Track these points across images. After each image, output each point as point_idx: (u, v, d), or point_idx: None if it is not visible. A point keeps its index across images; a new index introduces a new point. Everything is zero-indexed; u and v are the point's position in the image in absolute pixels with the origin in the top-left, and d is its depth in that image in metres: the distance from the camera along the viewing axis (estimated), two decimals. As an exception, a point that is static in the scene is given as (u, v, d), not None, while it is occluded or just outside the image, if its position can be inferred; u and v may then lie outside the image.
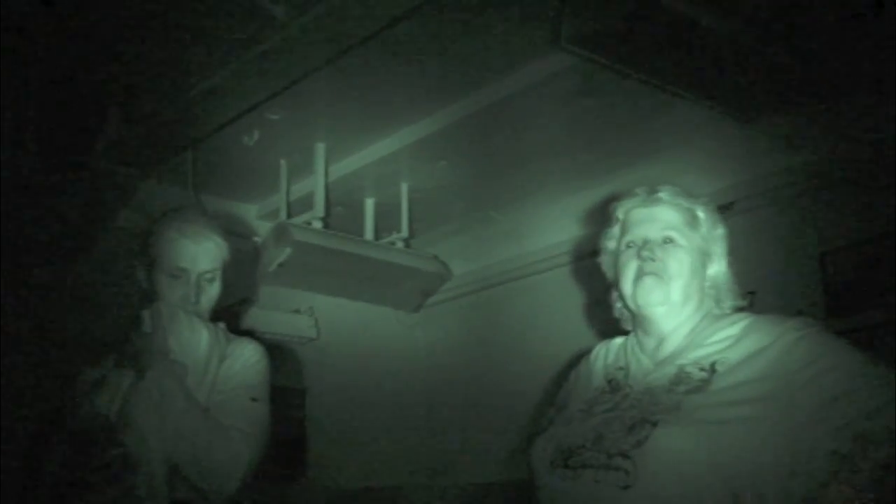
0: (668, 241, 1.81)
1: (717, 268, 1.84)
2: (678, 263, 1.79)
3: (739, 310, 1.83)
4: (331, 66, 2.74)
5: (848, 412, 1.57)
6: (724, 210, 2.91)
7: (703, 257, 1.83)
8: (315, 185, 3.59)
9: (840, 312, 2.89)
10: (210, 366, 2.10)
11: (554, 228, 3.89)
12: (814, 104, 2.90)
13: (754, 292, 1.91)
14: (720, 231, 1.86)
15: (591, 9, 2.36)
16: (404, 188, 3.80)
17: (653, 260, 1.78)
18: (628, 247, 1.83)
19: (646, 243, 1.81)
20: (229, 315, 2.32)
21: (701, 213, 1.85)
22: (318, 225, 3.64)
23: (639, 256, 1.80)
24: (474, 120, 3.19)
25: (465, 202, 3.93)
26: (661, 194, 1.84)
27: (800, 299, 2.96)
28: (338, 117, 3.31)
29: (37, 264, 3.01)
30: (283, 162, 3.65)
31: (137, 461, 1.97)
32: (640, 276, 1.79)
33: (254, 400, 2.11)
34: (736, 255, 1.89)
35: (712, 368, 1.69)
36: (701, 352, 1.73)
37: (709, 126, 3.11)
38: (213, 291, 2.19)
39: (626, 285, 1.82)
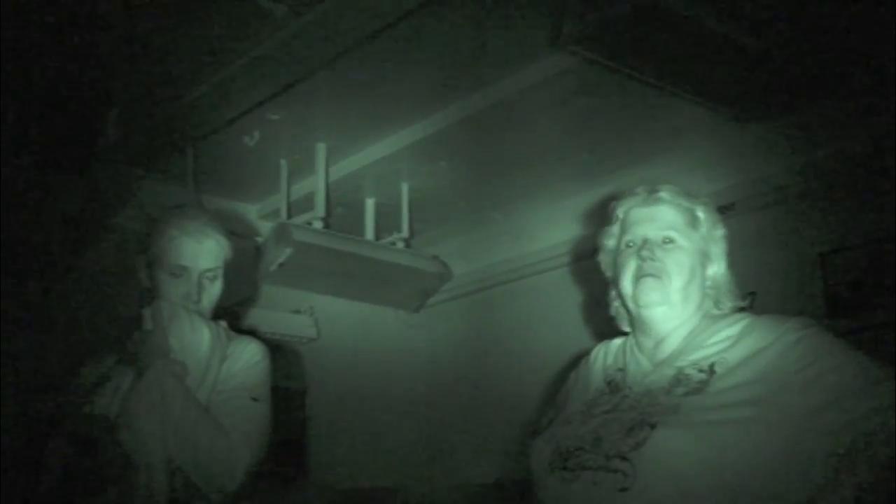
0: (668, 241, 1.80)
1: (717, 268, 1.83)
2: (678, 264, 1.79)
3: (739, 310, 1.83)
4: (331, 67, 2.74)
5: (847, 414, 1.56)
6: (724, 211, 2.91)
7: (703, 258, 1.82)
8: (316, 185, 3.58)
9: (840, 313, 2.89)
10: (211, 365, 2.10)
11: (554, 229, 3.89)
12: (814, 105, 2.90)
13: (755, 293, 1.91)
14: (720, 232, 1.86)
15: (591, 9, 2.36)
16: (405, 188, 3.80)
17: (652, 260, 1.78)
18: (628, 246, 1.83)
19: (645, 243, 1.80)
20: (230, 315, 2.31)
21: (701, 214, 1.84)
22: (318, 225, 3.63)
23: (638, 256, 1.80)
24: (475, 120, 3.19)
25: (465, 202, 3.93)
26: (662, 193, 1.84)
27: (800, 300, 2.96)
28: (338, 117, 3.30)
29: (37, 264, 3.01)
30: (283, 162, 3.65)
31: (137, 461, 1.97)
32: (639, 276, 1.78)
33: (254, 400, 2.10)
34: (736, 256, 1.89)
35: (711, 370, 1.68)
36: (700, 353, 1.73)
37: (709, 127, 3.11)
38: (214, 290, 2.19)
39: (626, 285, 1.81)
